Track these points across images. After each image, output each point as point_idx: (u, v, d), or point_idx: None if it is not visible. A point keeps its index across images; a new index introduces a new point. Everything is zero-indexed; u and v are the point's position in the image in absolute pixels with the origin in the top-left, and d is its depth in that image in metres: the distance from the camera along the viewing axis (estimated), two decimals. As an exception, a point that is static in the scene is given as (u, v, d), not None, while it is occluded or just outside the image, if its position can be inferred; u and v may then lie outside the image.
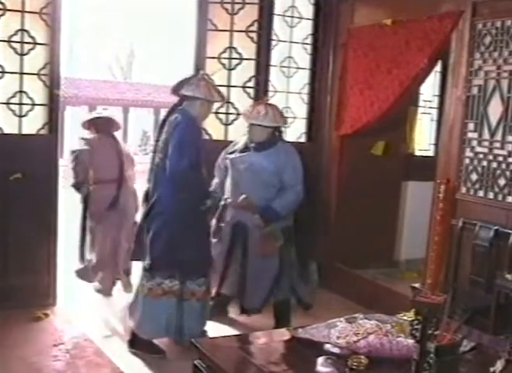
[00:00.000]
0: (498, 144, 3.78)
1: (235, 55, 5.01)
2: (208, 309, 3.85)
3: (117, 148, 4.82)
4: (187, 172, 3.46)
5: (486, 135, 3.86)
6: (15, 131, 4.25)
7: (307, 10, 5.22)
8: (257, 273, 3.96)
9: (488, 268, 3.68)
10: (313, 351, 2.30)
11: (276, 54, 5.12)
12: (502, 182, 3.75)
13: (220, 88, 3.93)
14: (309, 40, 5.24)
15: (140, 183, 4.74)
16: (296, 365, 2.31)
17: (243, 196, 3.90)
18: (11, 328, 3.96)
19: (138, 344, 3.71)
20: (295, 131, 5.18)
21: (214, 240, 4.04)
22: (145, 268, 3.63)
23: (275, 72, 5.15)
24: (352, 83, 4.92)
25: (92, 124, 4.90)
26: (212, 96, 3.67)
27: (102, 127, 4.86)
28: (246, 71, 5.03)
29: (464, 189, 4.00)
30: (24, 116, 4.27)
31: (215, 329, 3.95)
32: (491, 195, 3.82)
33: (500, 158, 3.77)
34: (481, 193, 3.89)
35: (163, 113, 3.98)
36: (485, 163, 3.86)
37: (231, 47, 5.00)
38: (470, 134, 3.97)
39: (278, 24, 5.09)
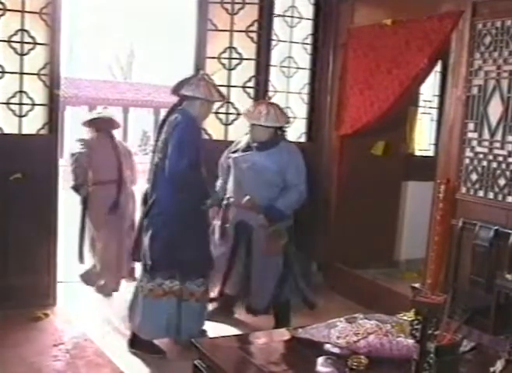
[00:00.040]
0: (498, 144, 3.78)
1: (235, 55, 5.01)
2: (206, 309, 3.85)
3: (115, 148, 4.84)
4: (187, 172, 3.46)
5: (486, 135, 3.86)
6: (15, 131, 4.25)
7: (307, 10, 5.22)
8: (261, 272, 3.96)
9: (488, 268, 3.67)
10: (313, 351, 2.30)
11: (276, 54, 5.12)
12: (502, 182, 3.75)
13: (220, 88, 3.93)
14: (309, 40, 5.24)
15: (140, 183, 4.75)
16: (296, 365, 2.31)
17: (247, 197, 3.89)
18: (11, 328, 3.96)
19: (138, 344, 3.71)
20: (295, 131, 5.18)
21: (220, 241, 4.04)
22: (145, 269, 3.63)
23: (275, 72, 5.15)
24: (352, 83, 4.92)
25: (92, 123, 4.93)
26: (211, 96, 3.67)
27: (102, 126, 4.89)
28: (246, 71, 5.03)
29: (464, 189, 4.00)
30: (24, 116, 4.27)
31: (215, 329, 3.95)
32: (491, 195, 3.82)
33: (500, 158, 3.77)
34: (481, 193, 3.88)
35: (163, 113, 3.97)
36: (485, 163, 3.86)
37: (231, 47, 5.00)
38: (470, 134, 3.97)
39: (278, 24, 5.09)
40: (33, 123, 4.30)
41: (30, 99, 4.27)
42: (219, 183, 4.22)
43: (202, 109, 3.67)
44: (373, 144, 5.37)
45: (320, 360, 2.20)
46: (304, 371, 2.25)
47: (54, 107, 4.35)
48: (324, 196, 5.15)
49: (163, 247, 3.56)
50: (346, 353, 2.26)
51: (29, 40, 4.21)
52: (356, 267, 5.03)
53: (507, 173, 3.71)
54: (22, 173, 4.19)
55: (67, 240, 5.13)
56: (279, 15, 5.09)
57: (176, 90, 3.66)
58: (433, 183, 4.23)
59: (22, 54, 4.20)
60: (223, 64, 5.01)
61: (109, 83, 21.49)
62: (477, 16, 3.91)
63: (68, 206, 5.15)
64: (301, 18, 5.20)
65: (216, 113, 4.92)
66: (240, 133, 4.77)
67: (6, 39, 4.14)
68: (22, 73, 4.22)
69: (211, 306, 4.28)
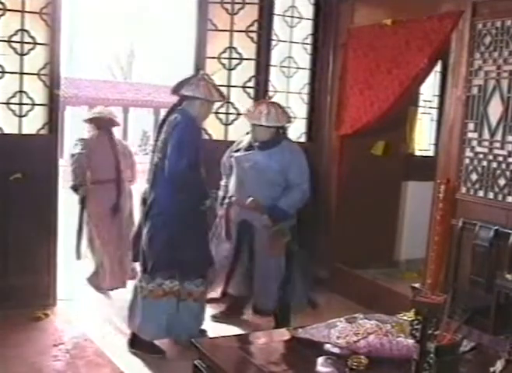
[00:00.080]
0: (498, 144, 3.78)
1: (235, 55, 5.01)
2: (205, 309, 3.84)
3: (114, 147, 4.90)
4: (186, 172, 3.46)
5: (486, 135, 3.86)
6: (15, 131, 4.25)
7: (307, 10, 5.22)
8: (264, 272, 3.96)
9: (488, 268, 3.67)
10: (313, 351, 2.30)
11: (276, 54, 5.12)
12: (502, 182, 3.75)
13: (220, 88, 3.93)
14: (309, 40, 5.24)
15: (140, 183, 4.76)
16: (296, 365, 2.31)
17: (251, 198, 3.89)
18: (11, 328, 3.95)
19: (138, 344, 3.71)
20: (295, 131, 5.18)
21: (225, 241, 4.05)
22: (145, 269, 3.63)
23: (275, 72, 5.15)
24: (352, 83, 4.92)
25: (93, 121, 5.01)
26: (211, 96, 3.67)
27: (102, 123, 4.95)
28: (246, 71, 5.03)
29: (464, 189, 4.00)
30: (24, 116, 4.27)
31: (215, 329, 3.95)
32: (491, 195, 3.82)
33: (500, 158, 3.77)
34: (481, 193, 3.88)
35: (163, 113, 3.98)
36: (485, 163, 3.86)
37: (231, 47, 5.00)
38: (470, 134, 3.97)
39: (278, 24, 5.09)
40: (33, 123, 4.30)
41: (30, 99, 4.27)
42: (223, 182, 4.22)
43: (202, 109, 3.67)
44: (373, 144, 5.37)
45: (320, 360, 2.20)
46: (304, 371, 2.25)
47: (54, 107, 4.35)
48: (324, 196, 5.15)
49: (163, 247, 3.56)
50: (346, 353, 2.26)
51: (29, 40, 4.21)
52: (356, 267, 5.03)
53: (507, 173, 3.71)
54: (22, 173, 4.19)
55: (67, 240, 5.13)
56: (279, 15, 5.09)
57: (176, 90, 3.66)
58: (433, 183, 4.23)
59: (22, 54, 4.20)
60: (223, 64, 5.01)
61: (109, 83, 21.50)
62: (477, 16, 3.91)
63: (68, 205, 5.15)
64: (301, 18, 5.20)
65: (216, 113, 4.92)
66: (240, 133, 4.77)
67: (6, 39, 4.14)
68: (22, 73, 4.21)
69: (218, 307, 4.29)
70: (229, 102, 4.98)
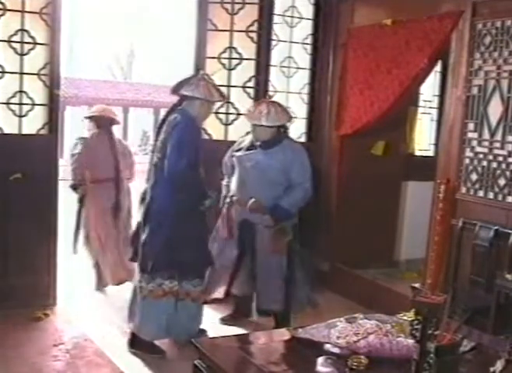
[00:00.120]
0: (498, 144, 3.78)
1: (235, 55, 5.01)
2: (202, 309, 3.83)
3: (113, 147, 4.95)
4: (186, 172, 3.46)
5: (486, 135, 3.86)
6: (15, 131, 4.25)
7: (307, 10, 5.22)
8: (265, 272, 3.96)
9: (488, 268, 3.67)
10: (313, 351, 2.30)
11: (276, 54, 5.12)
12: (502, 182, 3.75)
13: (220, 88, 3.92)
14: (309, 40, 5.24)
15: (139, 183, 4.78)
16: (296, 365, 2.31)
17: (252, 199, 3.89)
18: (11, 328, 3.96)
19: (138, 344, 3.71)
20: (295, 131, 5.18)
21: (227, 241, 4.05)
22: (145, 270, 3.62)
23: (275, 72, 5.15)
24: (352, 83, 4.92)
25: (94, 119, 5.06)
26: (211, 96, 3.66)
27: (102, 122, 4.99)
28: (246, 71, 5.03)
29: (464, 189, 4.00)
30: (24, 116, 4.27)
31: (214, 329, 3.95)
32: (491, 195, 3.82)
33: (500, 158, 3.77)
34: (481, 193, 3.89)
35: (163, 113, 3.98)
36: (485, 163, 3.86)
37: (231, 47, 5.00)
38: (470, 134, 3.97)
39: (278, 24, 5.09)
40: (33, 123, 4.30)
41: (30, 99, 4.27)
42: (224, 182, 4.22)
43: (202, 110, 3.67)
44: (373, 144, 5.37)
45: (320, 360, 2.20)
46: (304, 371, 2.25)
47: (54, 107, 4.35)
48: (324, 196, 5.15)
49: (162, 247, 3.55)
50: (346, 353, 2.26)
51: (29, 40, 4.21)
52: (356, 267, 5.03)
53: (507, 173, 3.71)
54: (22, 173, 4.19)
55: (67, 240, 5.13)
56: (279, 15, 5.09)
57: (175, 90, 3.66)
58: (433, 183, 4.23)
59: (22, 54, 4.20)
60: (223, 64, 5.01)
61: (109, 83, 21.51)
62: (477, 16, 3.91)
63: (68, 205, 5.16)
64: (301, 18, 5.20)
65: (216, 113, 4.92)
66: (240, 133, 4.78)
67: (6, 39, 4.14)
68: (22, 73, 4.21)
69: (223, 308, 4.28)
70: (229, 102, 4.98)
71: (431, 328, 1.91)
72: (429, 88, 6.15)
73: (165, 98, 16.96)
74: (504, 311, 3.45)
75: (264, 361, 2.31)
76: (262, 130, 3.96)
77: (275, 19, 5.05)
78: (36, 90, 4.29)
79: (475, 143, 3.94)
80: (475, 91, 3.93)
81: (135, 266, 3.89)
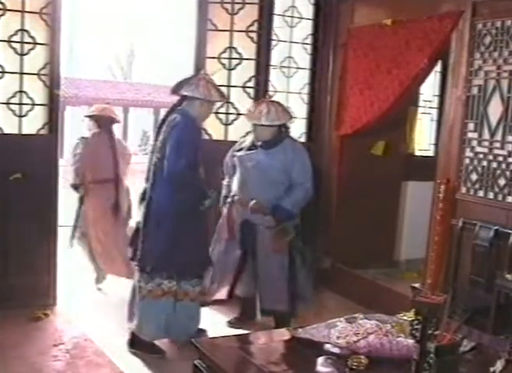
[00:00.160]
0: (498, 144, 3.78)
1: (235, 55, 5.01)
2: (200, 308, 3.82)
3: (113, 147, 4.96)
4: (185, 173, 3.45)
5: (486, 135, 3.86)
6: (15, 131, 4.25)
7: (307, 10, 5.22)
8: (267, 273, 3.95)
9: (488, 268, 3.67)
10: (313, 351, 2.30)
11: (276, 54, 5.12)
12: (502, 182, 3.75)
13: (221, 89, 3.92)
14: (309, 40, 5.24)
15: (139, 183, 4.79)
16: (296, 365, 2.31)
17: (254, 201, 3.89)
18: (11, 328, 3.95)
19: (138, 344, 3.71)
20: (295, 131, 5.17)
21: (229, 241, 4.04)
22: (144, 270, 3.63)
23: (275, 72, 5.14)
24: (352, 83, 4.92)
25: (93, 119, 5.08)
26: (211, 96, 3.65)
27: (103, 122, 5.01)
28: (246, 71, 5.03)
29: (464, 189, 4.00)
30: (24, 116, 4.27)
31: (221, 332, 3.94)
32: (491, 195, 3.82)
33: (500, 158, 3.77)
34: (481, 193, 3.88)
35: (163, 113, 3.99)
36: (485, 163, 3.86)
37: (231, 47, 4.99)
38: (470, 134, 3.97)
39: (278, 24, 5.09)
40: (33, 123, 4.30)
41: (30, 99, 4.27)
42: (225, 182, 4.22)
43: (202, 110, 3.67)
44: (373, 144, 5.37)
45: (320, 360, 2.20)
46: (304, 371, 2.25)
47: (54, 107, 4.35)
48: (324, 196, 5.15)
49: (162, 247, 3.56)
50: (346, 353, 2.26)
51: (29, 40, 4.21)
52: (356, 267, 5.03)
53: (507, 173, 3.71)
54: (22, 173, 4.19)
55: (67, 240, 5.14)
56: (279, 15, 5.09)
57: (175, 90, 3.65)
58: (433, 183, 4.23)
59: (22, 54, 4.20)
60: (223, 64, 5.00)
61: (109, 83, 21.50)
62: (477, 16, 3.91)
63: (69, 205, 5.17)
64: (301, 18, 5.20)
65: (216, 113, 4.92)
66: (240, 133, 4.78)
67: (6, 39, 4.14)
68: (22, 73, 4.21)
69: (229, 311, 4.28)
70: (229, 102, 4.98)
71: (431, 328, 1.91)
72: (429, 88, 6.15)
73: (165, 98, 16.96)
74: (504, 311, 3.45)
75: (264, 361, 2.31)
76: (263, 129, 3.95)
77: (275, 19, 5.05)
78: (36, 90, 4.28)
79: (475, 143, 3.94)
80: (475, 91, 3.93)
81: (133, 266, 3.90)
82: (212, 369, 2.30)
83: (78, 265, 5.23)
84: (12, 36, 4.15)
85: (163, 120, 3.67)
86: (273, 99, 4.65)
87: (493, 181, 3.80)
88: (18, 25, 4.16)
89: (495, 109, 3.80)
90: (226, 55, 5.00)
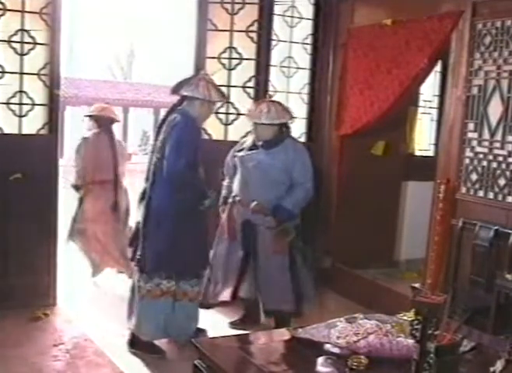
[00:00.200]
0: (498, 144, 3.78)
1: (235, 55, 5.01)
2: (198, 308, 3.82)
3: (113, 147, 4.96)
4: (185, 172, 3.45)
5: (486, 135, 3.86)
6: (15, 131, 4.25)
7: (307, 10, 5.22)
8: (267, 273, 3.94)
9: (488, 268, 3.67)
10: (313, 351, 2.30)
11: (276, 54, 5.12)
12: (502, 182, 3.75)
13: (221, 89, 3.92)
14: (309, 40, 5.24)
15: (138, 183, 4.79)
16: (296, 365, 2.31)
17: (255, 202, 3.89)
18: (11, 328, 3.96)
19: (137, 344, 3.71)
20: (295, 131, 5.17)
21: (230, 242, 4.04)
22: (143, 269, 3.63)
23: (275, 72, 5.14)
24: (352, 83, 4.92)
25: (93, 119, 5.11)
26: (211, 96, 3.64)
27: (102, 122, 5.04)
28: (246, 71, 5.03)
29: (464, 189, 4.00)
30: (24, 116, 4.27)
31: (216, 329, 3.95)
32: (491, 195, 3.82)
33: (500, 158, 3.76)
34: (481, 193, 3.88)
35: (163, 113, 3.99)
36: (485, 163, 3.86)
37: (231, 47, 4.99)
38: (470, 134, 3.97)
39: (278, 24, 5.09)
40: (33, 123, 4.30)
41: (30, 99, 4.27)
42: (225, 182, 4.22)
43: (202, 110, 3.66)
44: (373, 144, 5.37)
45: (320, 360, 2.20)
46: (304, 371, 2.25)
47: (54, 107, 4.35)
48: (324, 196, 5.15)
49: (161, 247, 3.55)
50: (346, 353, 2.26)
51: (29, 40, 4.21)
52: (356, 267, 5.02)
53: (507, 173, 3.71)
54: (22, 173, 4.19)
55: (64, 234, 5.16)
56: (279, 15, 5.09)
57: (175, 90, 3.65)
58: (433, 183, 4.23)
59: (22, 54, 4.20)
60: (223, 64, 5.00)
61: (109, 83, 21.52)
62: (477, 16, 3.91)
63: (69, 205, 5.17)
64: (301, 18, 5.20)
65: (216, 113, 4.92)
66: (240, 133, 4.79)
67: (6, 39, 4.14)
68: (22, 73, 4.21)
69: (233, 313, 4.26)
70: (229, 102, 4.98)
71: (431, 328, 1.91)
72: (429, 88, 6.14)
73: (165, 98, 16.95)
74: (504, 311, 3.45)
75: (264, 361, 2.31)
76: (263, 128, 3.95)
77: (275, 19, 5.05)
78: (36, 90, 4.28)
79: (475, 143, 3.94)
80: (475, 91, 3.93)
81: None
82: (212, 369, 2.30)
83: (78, 265, 5.23)
84: (12, 36, 4.15)
85: (163, 120, 3.67)
86: (273, 99, 4.66)
87: (493, 181, 3.80)
88: (18, 25, 4.16)
89: (495, 109, 3.80)
90: (226, 55, 5.00)
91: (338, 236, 5.13)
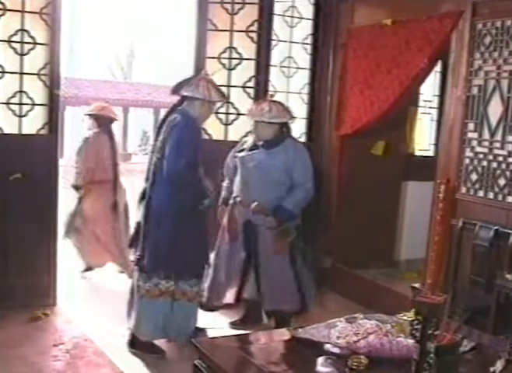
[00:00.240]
0: (498, 144, 3.78)
1: (235, 55, 5.01)
2: (197, 308, 3.82)
3: (113, 147, 4.99)
4: (185, 172, 3.45)
5: (486, 135, 3.86)
6: (15, 131, 4.25)
7: (307, 10, 5.22)
8: (269, 273, 3.94)
9: (488, 268, 3.67)
10: (313, 351, 2.30)
11: (276, 54, 5.12)
12: (502, 182, 3.75)
13: (221, 89, 3.92)
14: (309, 40, 5.24)
15: (138, 183, 4.80)
16: (296, 365, 2.31)
17: (255, 203, 3.89)
18: (11, 328, 3.96)
19: (137, 344, 3.71)
20: (295, 131, 5.17)
21: (231, 243, 4.04)
22: (142, 269, 3.63)
23: (275, 72, 5.14)
24: (352, 83, 4.92)
25: (93, 118, 5.15)
26: (211, 97, 3.64)
27: (102, 122, 5.07)
28: (246, 71, 5.03)
29: (464, 189, 4.00)
30: (24, 116, 4.27)
31: (217, 330, 3.94)
32: (491, 195, 3.82)
33: (500, 158, 3.76)
34: (481, 193, 3.88)
35: (163, 113, 3.99)
36: (485, 163, 3.86)
37: (231, 47, 4.99)
38: (470, 134, 3.97)
39: (278, 24, 5.09)
40: (33, 123, 4.30)
41: (30, 99, 4.27)
42: (225, 183, 4.21)
43: (202, 110, 3.66)
44: (373, 144, 5.37)
45: (320, 360, 2.20)
46: (304, 371, 2.25)
47: (54, 107, 4.35)
48: (324, 196, 5.15)
49: (160, 247, 3.55)
50: (346, 353, 2.26)
51: (29, 40, 4.21)
52: (356, 267, 5.02)
53: (507, 173, 3.71)
54: (22, 173, 4.19)
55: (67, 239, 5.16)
56: (279, 15, 5.09)
57: (175, 90, 3.65)
58: (433, 183, 4.23)
59: (22, 54, 4.20)
60: (223, 64, 5.01)
61: (109, 83, 21.53)
62: (477, 16, 3.91)
63: (69, 205, 5.18)
64: (301, 18, 5.20)
65: (216, 113, 4.92)
66: (240, 133, 4.78)
67: (6, 39, 4.14)
68: (22, 73, 4.21)
69: (235, 314, 4.25)
70: (229, 102, 4.98)
71: (431, 328, 1.91)
72: (429, 88, 6.14)
73: (165, 98, 16.98)
74: (504, 311, 3.45)
75: (264, 361, 2.31)
76: (264, 127, 3.94)
77: (275, 19, 5.05)
78: (36, 90, 4.28)
79: (475, 143, 3.94)
80: (475, 91, 3.93)
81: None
82: (212, 369, 2.30)
83: (78, 265, 5.23)
84: (12, 36, 4.15)
85: (163, 120, 3.67)
86: (274, 99, 4.66)
87: (493, 181, 3.80)
88: (18, 25, 4.16)
89: (495, 109, 3.80)
90: (226, 55, 5.00)
91: (338, 236, 5.13)
